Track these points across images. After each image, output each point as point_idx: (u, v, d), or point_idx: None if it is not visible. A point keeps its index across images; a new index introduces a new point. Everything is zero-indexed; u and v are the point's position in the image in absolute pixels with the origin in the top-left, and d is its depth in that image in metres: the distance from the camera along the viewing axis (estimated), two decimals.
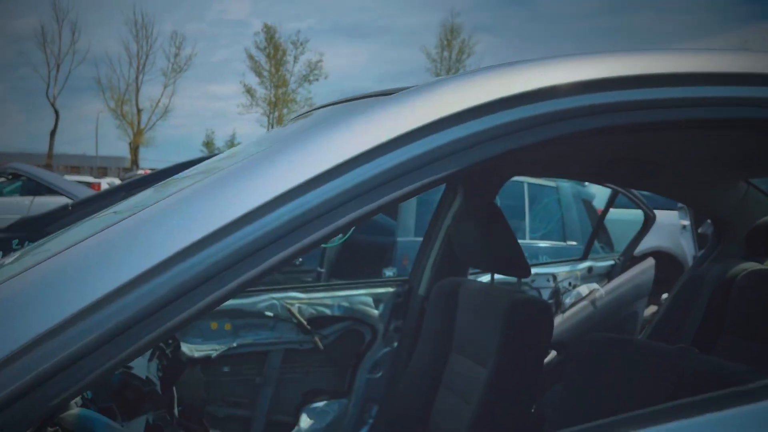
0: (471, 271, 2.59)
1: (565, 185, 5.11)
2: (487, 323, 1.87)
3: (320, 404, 2.49)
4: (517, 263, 1.87)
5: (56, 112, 36.60)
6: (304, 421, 2.46)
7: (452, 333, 2.09)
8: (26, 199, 13.36)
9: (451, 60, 40.26)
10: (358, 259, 4.87)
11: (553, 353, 2.76)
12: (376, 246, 4.93)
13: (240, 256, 0.70)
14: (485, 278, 2.39)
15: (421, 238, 2.61)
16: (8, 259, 1.15)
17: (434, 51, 40.34)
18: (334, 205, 0.72)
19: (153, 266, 0.67)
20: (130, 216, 0.75)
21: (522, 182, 4.93)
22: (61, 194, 5.80)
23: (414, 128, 0.78)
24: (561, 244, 4.98)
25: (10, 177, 6.96)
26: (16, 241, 3.77)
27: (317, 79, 38.73)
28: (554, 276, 3.24)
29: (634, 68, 0.90)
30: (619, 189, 3.23)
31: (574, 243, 4.87)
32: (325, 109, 1.18)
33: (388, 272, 4.15)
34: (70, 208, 3.92)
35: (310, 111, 1.35)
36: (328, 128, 0.79)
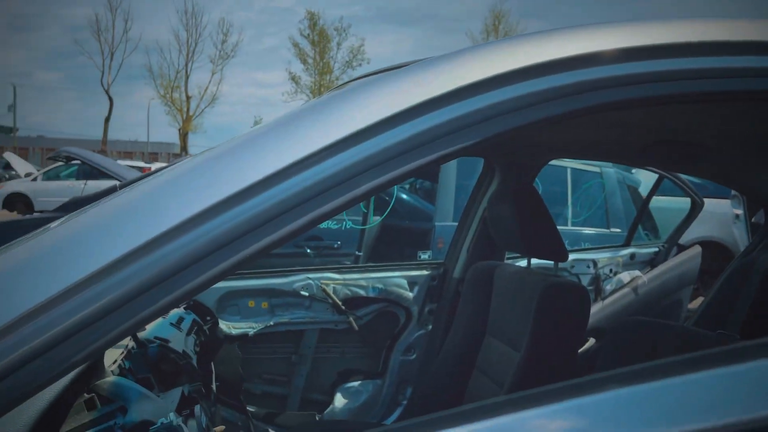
0: (509, 255, 2.56)
1: (610, 171, 4.97)
2: (521, 307, 1.84)
3: (355, 384, 2.51)
4: (554, 247, 1.83)
5: (110, 100, 37.74)
6: (339, 400, 2.49)
7: (486, 316, 2.07)
8: (81, 183, 13.87)
9: None
10: (396, 244, 4.87)
11: (591, 341, 2.71)
12: (415, 231, 4.91)
13: (255, 224, 0.70)
14: (523, 263, 2.35)
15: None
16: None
17: (479, 36, 39.80)
18: (350, 174, 0.72)
19: (166, 230, 0.67)
20: (151, 181, 0.76)
21: (565, 167, 4.82)
22: (113, 177, 5.98)
23: (429, 98, 0.76)
24: (604, 231, 4.85)
25: (64, 161, 7.20)
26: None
27: (360, 65, 38.77)
28: (595, 262, 3.16)
29: (679, 36, 0.85)
30: (665, 174, 3.13)
31: (618, 230, 4.74)
32: (354, 82, 1.17)
33: (423, 255, 4.13)
34: (117, 188, 4.04)
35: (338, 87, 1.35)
36: (345, 99, 0.78)
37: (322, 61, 38.61)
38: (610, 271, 3.18)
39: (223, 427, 1.17)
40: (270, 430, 2.36)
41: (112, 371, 1.34)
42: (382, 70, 0.98)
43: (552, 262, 1.90)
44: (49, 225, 1.16)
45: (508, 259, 2.56)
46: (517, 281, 1.95)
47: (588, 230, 4.85)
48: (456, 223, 2.61)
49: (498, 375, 1.92)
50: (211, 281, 0.69)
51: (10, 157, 16.97)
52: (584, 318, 1.79)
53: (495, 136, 0.77)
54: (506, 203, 1.92)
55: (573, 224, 4.85)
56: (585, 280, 3.11)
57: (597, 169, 4.93)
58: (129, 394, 1.20)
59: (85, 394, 1.19)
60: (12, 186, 15.60)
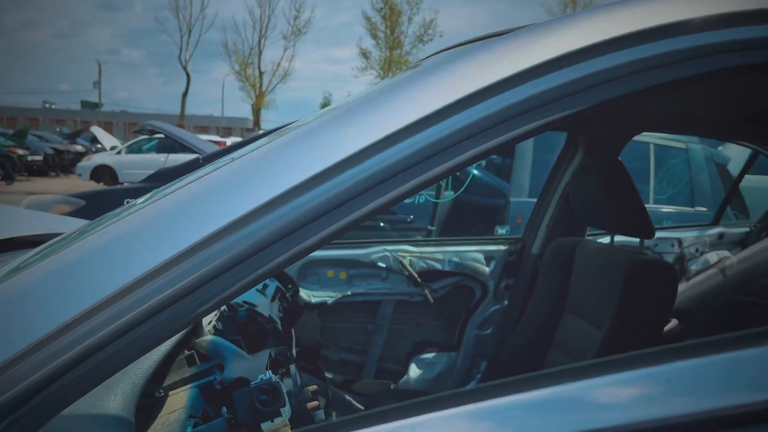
0: (589, 232, 2.51)
1: (696, 147, 4.73)
2: (604, 284, 1.80)
3: (429, 356, 2.54)
4: (640, 224, 1.78)
5: (188, 76, 39.02)
6: (413, 370, 2.52)
7: (566, 293, 2.04)
8: (161, 156, 14.45)
9: None
10: (469, 220, 4.84)
11: (674, 321, 2.63)
12: (488, 207, 4.86)
13: (351, 194, 0.71)
14: (605, 240, 2.29)
15: (535, 199, 2.55)
16: (139, 201, 1.24)
17: (557, 9, 38.53)
18: (447, 144, 0.72)
19: (261, 204, 0.69)
20: (236, 160, 0.78)
21: (647, 143, 4.62)
22: (194, 151, 6.16)
23: (525, 68, 0.75)
24: (689, 209, 4.64)
25: (148, 134, 7.50)
26: (154, 190, 4.13)
27: (431, 39, 38.37)
28: (680, 241, 3.04)
29: None
30: (761, 150, 2.95)
31: (704, 209, 4.52)
32: (440, 54, 1.17)
33: (501, 230, 4.09)
34: (201, 161, 4.21)
35: (427, 58, 1.34)
36: (438, 70, 0.78)
37: (393, 36, 38.44)
38: (696, 250, 3.05)
39: (315, 387, 1.22)
40: (347, 396, 2.43)
41: (208, 331, 1.41)
42: (466, 42, 0.97)
43: (634, 240, 1.85)
44: (152, 194, 1.22)
45: (589, 236, 2.50)
46: (600, 258, 1.91)
47: (671, 209, 4.65)
48: (532, 199, 2.56)
49: (577, 352, 1.89)
50: (304, 253, 0.71)
51: (97, 131, 17.89)
52: (671, 297, 1.74)
53: (598, 105, 0.76)
54: (591, 178, 1.88)
55: (656, 202, 4.66)
56: (669, 260, 3.00)
57: (683, 145, 4.71)
58: (225, 353, 1.26)
59: (186, 351, 1.27)
60: (98, 158, 16.46)
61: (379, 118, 0.75)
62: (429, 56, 1.39)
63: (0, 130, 23.32)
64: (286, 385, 1.10)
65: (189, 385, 1.15)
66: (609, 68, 0.78)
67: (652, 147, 4.65)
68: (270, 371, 1.03)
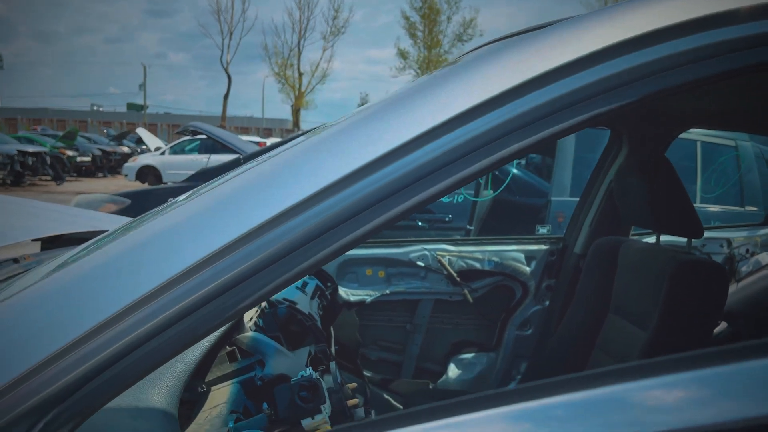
0: (634, 231, 2.44)
1: (746, 144, 4.55)
2: (649, 284, 1.76)
3: (468, 356, 2.52)
4: (688, 223, 1.72)
5: (229, 78, 39.68)
6: (452, 370, 2.51)
7: (609, 293, 2.00)
8: (203, 157, 14.74)
9: None
10: (508, 219, 4.78)
11: (723, 324, 2.54)
12: (528, 206, 4.80)
13: (387, 192, 0.70)
14: (650, 239, 2.23)
15: (576, 199, 2.50)
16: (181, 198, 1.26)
17: (597, 5, 37.79)
18: (488, 139, 0.70)
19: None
20: (273, 158, 0.78)
21: (694, 140, 4.48)
22: (234, 151, 6.27)
23: (562, 64, 0.73)
24: (738, 209, 4.48)
25: (190, 135, 7.65)
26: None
27: (471, 38, 38.06)
28: (729, 241, 2.94)
29: None
30: None
31: (755, 209, 4.36)
32: (486, 47, 1.15)
33: (542, 230, 4.02)
34: (242, 160, 4.28)
35: (468, 53, 1.33)
36: (479, 65, 0.77)
37: (431, 36, 38.30)
38: (747, 251, 2.95)
39: (355, 384, 1.22)
40: (385, 395, 2.43)
41: (249, 327, 1.43)
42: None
43: (681, 240, 1.79)
44: (194, 191, 1.23)
45: (633, 235, 2.44)
46: (645, 258, 1.86)
47: (719, 208, 4.50)
48: (573, 198, 2.51)
49: (621, 354, 1.85)
50: (341, 250, 0.70)
51: (142, 132, 18.33)
52: (721, 299, 1.68)
53: (633, 103, 0.73)
54: (637, 176, 1.83)
55: (703, 201, 4.52)
56: (717, 260, 2.91)
57: (731, 143, 4.55)
58: (266, 349, 1.28)
59: (227, 347, 1.28)
60: (143, 159, 16.89)
61: (414, 114, 0.74)
62: (470, 51, 1.38)
63: (50, 132, 24.18)
64: (326, 382, 1.11)
65: (230, 381, 1.17)
66: (647, 62, 0.75)
67: (699, 145, 4.51)
68: (310, 368, 1.03)
